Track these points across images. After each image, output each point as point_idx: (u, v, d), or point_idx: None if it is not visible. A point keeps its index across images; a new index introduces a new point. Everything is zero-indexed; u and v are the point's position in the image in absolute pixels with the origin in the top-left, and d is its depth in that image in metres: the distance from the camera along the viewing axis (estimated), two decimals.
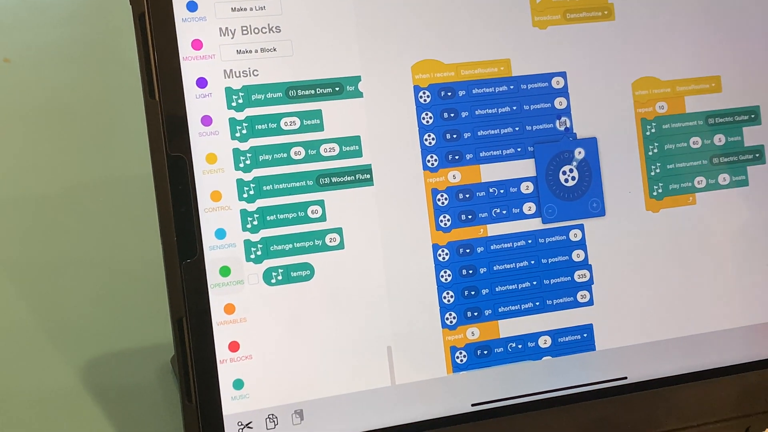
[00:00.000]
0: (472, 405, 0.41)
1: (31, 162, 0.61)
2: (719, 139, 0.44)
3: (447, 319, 0.41)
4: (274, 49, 0.39)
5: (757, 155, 0.45)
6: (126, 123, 0.48)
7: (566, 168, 0.42)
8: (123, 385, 0.47)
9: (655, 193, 0.43)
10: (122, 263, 0.54)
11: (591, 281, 0.42)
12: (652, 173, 0.43)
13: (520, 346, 0.42)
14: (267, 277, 0.39)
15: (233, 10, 0.39)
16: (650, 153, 0.43)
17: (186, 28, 0.38)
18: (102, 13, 0.69)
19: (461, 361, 0.41)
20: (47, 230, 0.56)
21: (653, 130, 0.43)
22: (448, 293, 0.41)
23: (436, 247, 0.41)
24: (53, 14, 0.74)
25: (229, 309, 0.38)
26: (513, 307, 0.41)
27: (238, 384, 0.38)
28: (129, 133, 0.45)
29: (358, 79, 0.40)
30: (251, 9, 0.39)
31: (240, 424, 0.38)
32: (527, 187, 0.42)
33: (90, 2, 0.74)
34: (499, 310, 0.41)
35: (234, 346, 0.38)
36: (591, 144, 0.42)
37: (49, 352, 0.49)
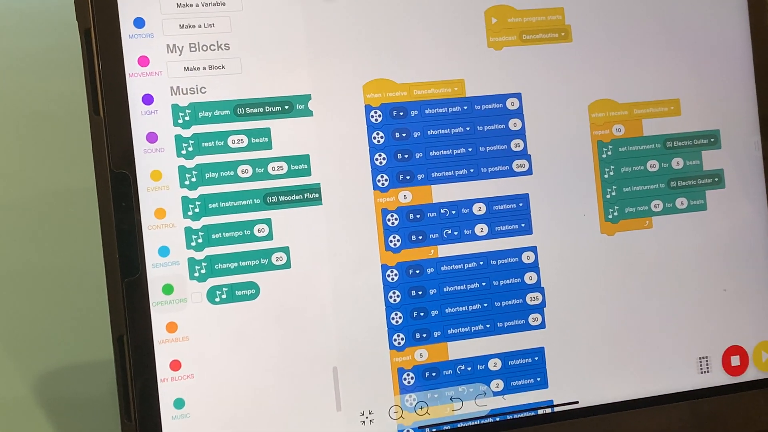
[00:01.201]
0: (419, 428, 0.40)
1: None
2: (677, 163, 0.44)
3: (395, 340, 0.40)
4: (223, 67, 0.39)
5: (716, 179, 0.44)
6: (76, 136, 0.47)
7: None
8: (74, 399, 0.47)
9: (610, 216, 0.43)
10: (75, 276, 0.53)
11: (543, 304, 0.42)
12: (608, 196, 0.43)
13: (469, 369, 0.41)
14: (211, 295, 0.38)
15: (181, 27, 0.38)
16: (606, 176, 0.43)
17: (132, 44, 0.38)
18: (51, 28, 0.69)
19: (408, 383, 0.40)
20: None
21: (609, 153, 0.43)
22: (396, 314, 0.40)
23: (385, 268, 0.40)
24: (3, 26, 0.74)
25: (171, 327, 0.38)
26: (463, 329, 0.41)
27: (179, 403, 0.38)
28: (79, 146, 0.44)
29: (308, 97, 0.40)
30: (200, 26, 0.39)
31: None
32: (479, 209, 0.41)
33: (40, 17, 0.74)
34: (449, 332, 0.41)
35: (176, 365, 0.38)
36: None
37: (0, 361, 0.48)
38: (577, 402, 0.42)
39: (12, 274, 0.53)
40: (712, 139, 0.44)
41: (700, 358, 0.43)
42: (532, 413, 0.42)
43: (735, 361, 0.44)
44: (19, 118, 0.61)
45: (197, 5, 0.39)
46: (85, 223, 0.47)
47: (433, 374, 0.41)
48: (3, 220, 0.56)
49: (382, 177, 0.40)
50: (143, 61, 0.38)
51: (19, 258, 0.53)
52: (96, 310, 0.48)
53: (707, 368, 0.43)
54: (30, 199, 0.57)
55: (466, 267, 0.41)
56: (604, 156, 0.43)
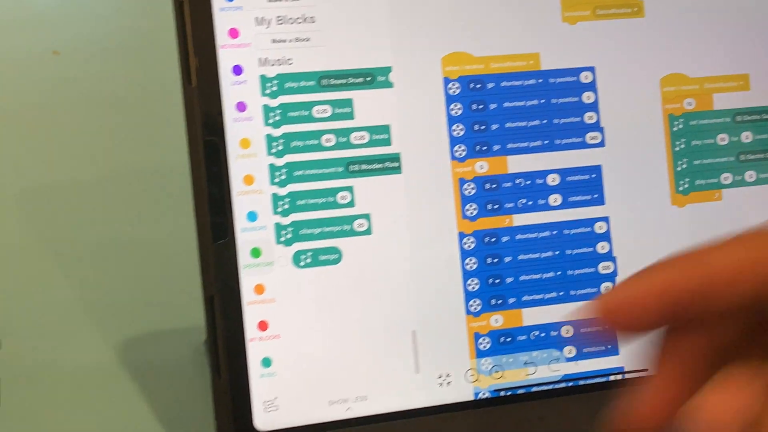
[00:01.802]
0: (494, 391, 0.42)
1: (77, 149, 0.63)
2: (746, 137, 0.45)
3: (471, 306, 0.41)
4: (308, 39, 0.40)
5: None
6: (165, 113, 0.49)
7: None
8: (158, 364, 0.49)
9: (681, 188, 0.44)
10: (161, 246, 0.55)
11: (615, 273, 0.43)
12: (679, 168, 0.44)
13: (542, 335, 0.42)
14: (296, 259, 0.40)
15: (269, 0, 0.40)
16: (677, 149, 0.44)
17: (223, 17, 0.39)
18: (143, 8, 0.71)
19: (484, 347, 0.42)
20: (90, 213, 0.58)
21: (680, 126, 0.44)
22: (472, 281, 0.42)
23: (462, 236, 0.42)
24: (98, 9, 0.77)
25: (259, 289, 0.39)
26: (537, 296, 0.42)
27: (266, 362, 0.39)
28: (168, 123, 0.46)
29: (389, 69, 0.41)
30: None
31: (267, 402, 0.39)
32: (553, 179, 0.42)
33: None
34: (523, 298, 0.42)
35: (263, 326, 0.39)
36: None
37: (87, 329, 0.50)
38: (646, 370, 0.43)
39: (107, 244, 0.55)
40: None
41: None
42: (603, 379, 0.43)
43: None
44: (111, 95, 0.64)
45: None
46: (173, 195, 0.49)
47: (508, 339, 0.42)
48: (97, 193, 0.58)
49: (459, 147, 0.42)
50: (233, 33, 0.39)
51: (113, 228, 0.56)
52: (180, 279, 0.50)
53: None
54: (122, 172, 0.59)
55: (540, 236, 0.42)
56: (675, 129, 0.44)
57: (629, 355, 0.43)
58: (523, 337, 0.42)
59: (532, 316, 0.42)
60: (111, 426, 0.46)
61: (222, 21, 0.39)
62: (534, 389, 0.42)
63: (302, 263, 0.40)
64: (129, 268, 0.54)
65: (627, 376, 0.43)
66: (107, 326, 0.51)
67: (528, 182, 0.42)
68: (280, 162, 0.40)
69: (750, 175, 0.44)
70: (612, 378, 0.43)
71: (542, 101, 0.43)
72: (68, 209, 0.58)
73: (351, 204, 0.40)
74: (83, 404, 0.47)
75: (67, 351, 0.49)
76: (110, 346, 0.49)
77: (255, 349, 0.39)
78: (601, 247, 0.43)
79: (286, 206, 0.40)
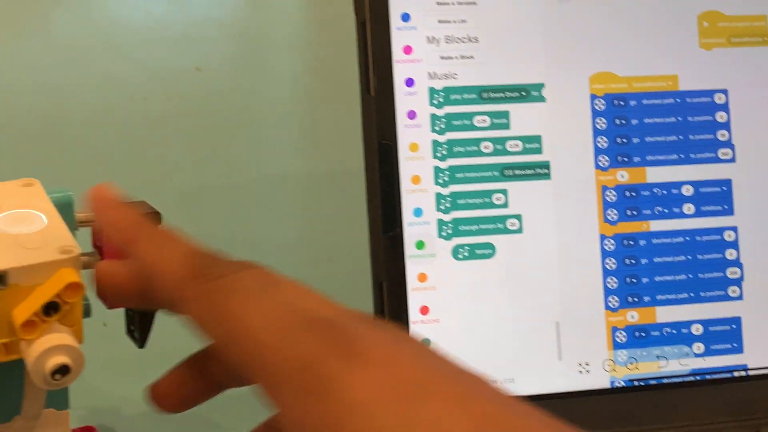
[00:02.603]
0: (629, 380, 0.46)
1: (226, 156, 0.69)
2: None
3: (610, 302, 0.46)
4: (472, 57, 0.45)
5: None
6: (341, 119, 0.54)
7: None
8: None
9: None
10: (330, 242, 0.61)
11: (741, 278, 0.47)
12: None
13: (674, 332, 0.46)
14: (455, 252, 0.44)
15: (439, 21, 0.45)
16: None
17: (399, 35, 0.45)
18: (266, 27, 0.77)
19: (621, 340, 0.46)
20: (254, 215, 0.63)
21: None
22: (612, 279, 0.46)
23: (603, 237, 0.46)
24: (233, 29, 0.83)
25: (422, 278, 0.44)
26: (669, 296, 0.46)
27: (426, 343, 0.44)
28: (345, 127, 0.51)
29: (541, 86, 0.46)
30: (454, 21, 0.45)
31: None
32: (687, 190, 0.47)
33: (258, 19, 0.83)
34: (657, 297, 0.46)
35: (424, 310, 0.44)
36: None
37: None
38: None
39: (287, 242, 0.60)
40: None
41: None
42: (728, 375, 0.46)
43: None
44: (295, 102, 0.70)
45: (453, 3, 0.45)
46: (345, 197, 0.54)
47: (643, 334, 0.46)
48: (279, 192, 0.64)
49: (603, 158, 0.46)
50: (407, 49, 0.45)
51: (292, 226, 0.61)
52: (345, 270, 0.55)
53: None
54: (303, 173, 0.65)
55: (674, 241, 0.46)
56: None
57: (752, 354, 0.47)
58: (656, 333, 0.46)
59: (665, 314, 0.46)
60: None
61: (398, 39, 0.44)
62: (665, 381, 0.46)
63: (460, 256, 0.45)
64: (297, 263, 0.60)
65: (750, 372, 0.46)
66: None
67: (664, 192, 0.46)
68: (443, 165, 0.45)
69: None
70: (736, 374, 0.46)
71: (679, 119, 0.47)
72: (224, 212, 0.64)
73: (505, 205, 0.45)
74: None
75: None
76: None
77: (417, 330, 0.44)
78: (730, 254, 0.47)
79: (448, 205, 0.45)
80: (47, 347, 0.29)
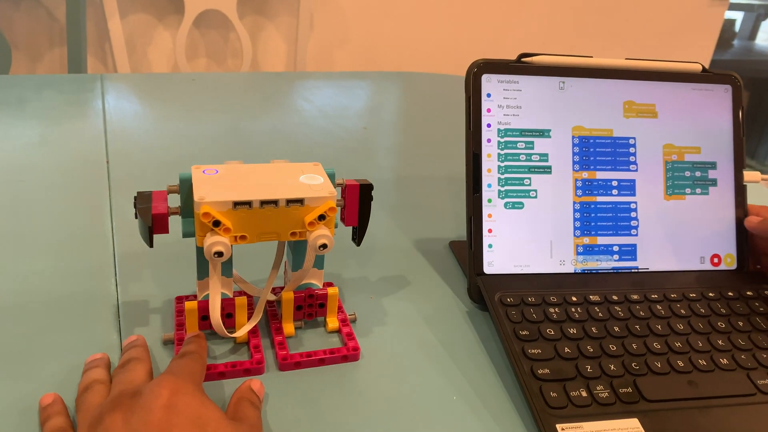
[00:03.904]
0: (583, 270, 0.98)
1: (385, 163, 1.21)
2: None
3: (575, 232, 0.98)
4: (517, 115, 0.98)
5: None
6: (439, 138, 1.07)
7: None
8: (429, 252, 1.06)
9: None
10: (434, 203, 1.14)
11: (638, 226, 0.99)
12: None
13: (605, 248, 0.99)
14: (506, 205, 0.96)
15: (504, 98, 0.98)
16: None
17: (485, 102, 0.97)
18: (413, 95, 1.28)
19: (580, 251, 0.98)
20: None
21: None
22: (577, 222, 0.98)
23: (574, 203, 0.98)
24: (389, 102, 1.35)
25: (489, 216, 0.96)
26: (603, 231, 0.99)
27: (490, 246, 0.96)
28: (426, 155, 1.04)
29: (549, 130, 0.98)
30: (510, 98, 0.98)
31: (489, 261, 0.96)
32: (614, 183, 0.99)
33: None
34: (598, 232, 0.99)
35: (490, 231, 0.96)
36: None
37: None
38: None
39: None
40: None
41: None
42: (629, 270, 0.99)
43: None
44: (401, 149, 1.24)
45: (510, 90, 0.98)
46: (445, 186, 1.07)
47: (590, 249, 0.98)
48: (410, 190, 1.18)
49: (576, 165, 0.98)
50: (488, 110, 0.97)
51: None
52: (440, 220, 1.08)
53: None
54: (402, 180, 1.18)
55: (607, 206, 0.99)
56: None
57: (642, 261, 0.99)
58: (597, 249, 0.99)
59: (602, 239, 0.99)
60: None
61: (484, 104, 0.97)
62: (600, 271, 0.99)
63: (507, 206, 0.97)
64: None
65: (640, 269, 0.99)
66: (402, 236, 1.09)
67: (603, 182, 0.99)
68: (501, 164, 0.97)
69: None
70: (633, 271, 0.99)
71: (612, 149, 1.00)
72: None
73: (530, 185, 0.97)
74: None
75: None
76: (410, 238, 1.07)
77: (486, 240, 0.96)
78: (633, 214, 0.99)
79: (503, 182, 0.97)
80: (318, 234, 0.65)
